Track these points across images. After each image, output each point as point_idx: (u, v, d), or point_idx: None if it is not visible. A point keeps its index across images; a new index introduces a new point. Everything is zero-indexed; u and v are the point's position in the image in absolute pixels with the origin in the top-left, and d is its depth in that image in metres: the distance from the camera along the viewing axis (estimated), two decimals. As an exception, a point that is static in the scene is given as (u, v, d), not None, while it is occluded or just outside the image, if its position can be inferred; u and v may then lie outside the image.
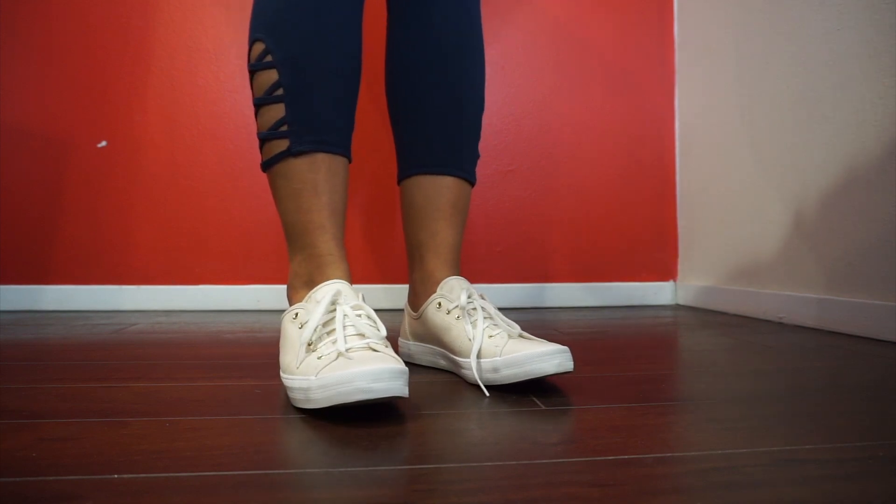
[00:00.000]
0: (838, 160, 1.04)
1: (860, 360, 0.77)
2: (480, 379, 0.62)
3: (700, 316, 1.31)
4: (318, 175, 0.66)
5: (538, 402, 0.57)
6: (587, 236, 1.57)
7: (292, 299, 0.69)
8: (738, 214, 1.33)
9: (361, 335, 0.56)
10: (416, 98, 0.78)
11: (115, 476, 0.38)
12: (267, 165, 0.68)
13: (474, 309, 0.67)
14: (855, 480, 0.37)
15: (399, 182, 0.80)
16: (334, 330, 0.56)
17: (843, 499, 0.35)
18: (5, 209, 1.42)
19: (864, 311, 0.96)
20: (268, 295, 1.46)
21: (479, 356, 0.63)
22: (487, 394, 0.60)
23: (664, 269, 1.60)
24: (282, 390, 0.62)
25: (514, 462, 0.41)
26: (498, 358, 0.60)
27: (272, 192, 0.70)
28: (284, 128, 0.66)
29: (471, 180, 0.80)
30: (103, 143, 1.45)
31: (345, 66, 0.68)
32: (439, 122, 0.78)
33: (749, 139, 1.29)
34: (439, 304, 0.71)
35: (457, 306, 0.68)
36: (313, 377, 0.51)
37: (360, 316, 0.58)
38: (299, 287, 0.67)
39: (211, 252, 1.46)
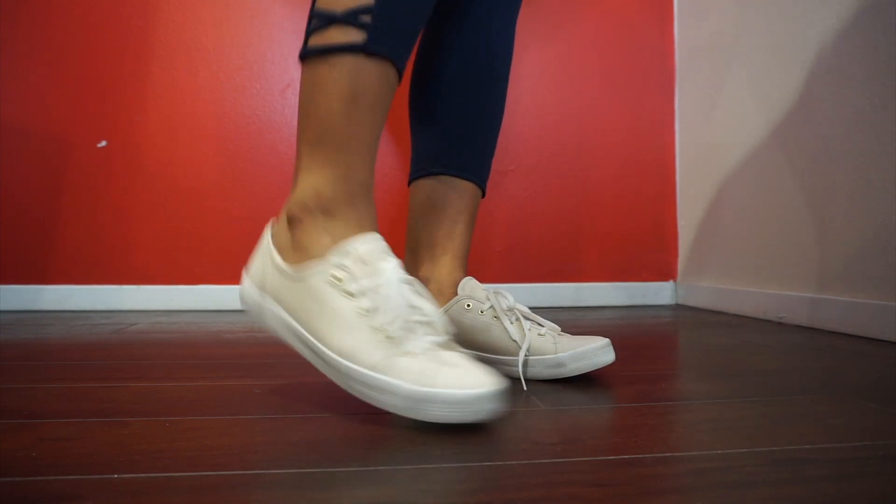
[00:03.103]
0: (838, 159, 1.04)
1: (860, 360, 0.77)
2: (539, 375, 0.66)
3: (700, 316, 1.31)
4: (382, 87, 0.57)
5: (538, 402, 0.57)
6: (587, 236, 1.57)
7: (299, 219, 0.56)
8: (738, 214, 1.33)
9: (429, 323, 0.51)
10: (468, 101, 0.77)
11: (115, 476, 0.38)
12: (322, 52, 0.55)
13: (511, 310, 0.70)
14: (855, 480, 0.37)
15: (420, 177, 0.77)
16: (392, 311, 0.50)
17: (843, 499, 0.35)
18: (5, 209, 1.42)
19: (863, 311, 0.96)
20: (268, 295, 1.45)
21: (532, 353, 0.66)
22: (526, 388, 0.63)
23: (664, 269, 1.60)
24: (284, 391, 0.62)
25: (514, 462, 0.41)
26: (563, 354, 0.65)
27: (312, 83, 0.56)
28: (367, 18, 0.55)
29: (485, 194, 0.81)
30: (103, 143, 1.45)
31: None
32: (482, 129, 0.78)
33: (748, 139, 1.29)
34: (468, 305, 0.71)
35: (491, 306, 0.70)
36: (420, 387, 0.46)
37: (413, 291, 0.53)
38: (314, 210, 0.55)
39: (211, 252, 1.46)
